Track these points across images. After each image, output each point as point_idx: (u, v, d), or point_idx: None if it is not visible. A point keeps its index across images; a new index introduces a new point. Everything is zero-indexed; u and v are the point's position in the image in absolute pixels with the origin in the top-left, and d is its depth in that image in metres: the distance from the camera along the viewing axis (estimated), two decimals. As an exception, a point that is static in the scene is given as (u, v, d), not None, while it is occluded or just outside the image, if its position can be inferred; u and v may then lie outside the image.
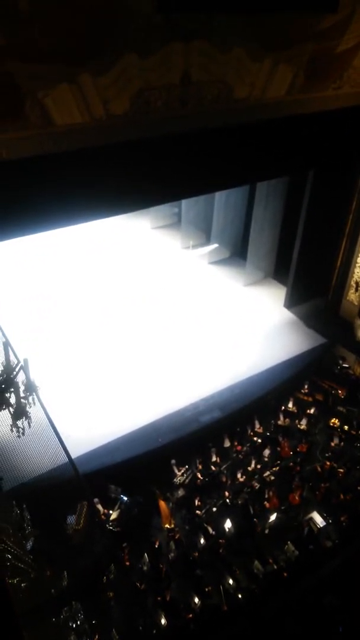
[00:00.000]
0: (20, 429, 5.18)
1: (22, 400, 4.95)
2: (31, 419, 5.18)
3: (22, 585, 5.01)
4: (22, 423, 5.13)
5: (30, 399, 5.04)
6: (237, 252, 16.50)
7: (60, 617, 5.79)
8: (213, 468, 10.01)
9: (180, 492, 9.50)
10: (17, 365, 5.06)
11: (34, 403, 5.15)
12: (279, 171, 11.83)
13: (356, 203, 12.13)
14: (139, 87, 7.56)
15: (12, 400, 5.08)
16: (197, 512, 9.29)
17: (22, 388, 5.01)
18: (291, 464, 10.17)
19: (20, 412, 4.98)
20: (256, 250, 14.78)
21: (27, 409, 5.04)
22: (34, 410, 5.22)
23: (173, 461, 9.88)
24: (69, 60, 6.76)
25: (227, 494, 9.57)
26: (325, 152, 11.13)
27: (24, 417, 5.06)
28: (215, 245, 16.31)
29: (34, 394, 5.09)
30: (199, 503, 9.41)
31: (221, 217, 15.78)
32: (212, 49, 7.83)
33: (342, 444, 10.65)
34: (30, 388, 5.07)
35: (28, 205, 7.63)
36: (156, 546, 8.75)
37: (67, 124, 7.27)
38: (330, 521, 9.18)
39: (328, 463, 10.16)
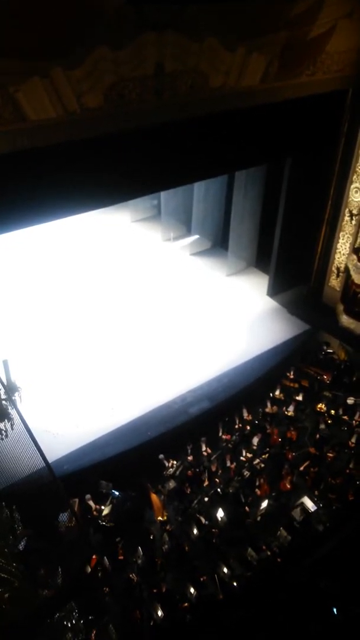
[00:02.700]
0: (3, 431, 5.11)
1: (3, 402, 4.88)
2: (14, 421, 5.12)
3: (6, 595, 4.93)
4: (5, 425, 5.06)
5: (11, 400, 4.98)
6: (219, 243, 16.49)
7: (54, 617, 5.78)
8: (204, 456, 10.05)
9: (172, 484, 9.53)
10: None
11: (15, 405, 5.09)
12: (257, 159, 11.84)
13: (334, 189, 12.18)
14: (112, 79, 7.50)
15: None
16: (189, 503, 9.33)
17: (2, 390, 4.95)
18: (284, 450, 10.24)
19: (1, 415, 4.92)
20: (237, 240, 14.78)
21: (9, 410, 4.98)
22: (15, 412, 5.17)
23: (161, 456, 9.88)
24: (38, 54, 6.67)
25: (217, 482, 9.61)
26: (301, 139, 11.17)
27: (5, 420, 5.00)
28: (196, 236, 16.28)
29: (15, 395, 5.03)
30: (191, 494, 9.45)
31: (201, 208, 15.74)
32: (184, 39, 7.81)
33: (329, 428, 10.76)
34: (11, 390, 5.01)
35: (3, 203, 7.53)
36: (150, 539, 8.78)
37: (41, 119, 7.19)
38: (321, 505, 9.28)
39: (314, 449, 10.25)
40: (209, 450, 10.20)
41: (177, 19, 7.55)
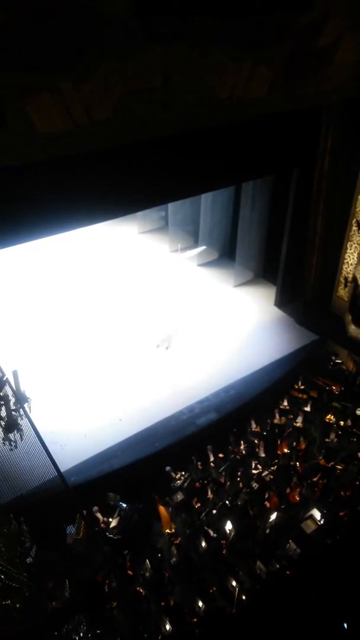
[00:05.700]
0: (12, 442, 5.11)
1: (12, 412, 4.89)
2: (23, 432, 5.12)
3: (17, 605, 4.91)
4: (14, 436, 5.06)
5: (21, 411, 4.98)
6: (226, 253, 16.51)
7: (63, 630, 5.73)
8: (212, 467, 9.98)
9: (180, 496, 9.45)
10: (4, 378, 5.01)
11: (25, 415, 5.10)
12: (264, 170, 11.88)
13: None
14: (121, 92, 7.57)
15: (3, 413, 5.02)
16: (198, 515, 9.25)
17: (12, 400, 4.96)
18: (291, 462, 10.15)
19: (11, 425, 4.92)
20: (245, 251, 14.80)
21: (19, 421, 4.98)
22: (26, 422, 5.17)
23: (168, 468, 9.83)
24: (47, 68, 6.74)
25: (226, 495, 9.53)
26: (308, 150, 11.20)
27: (15, 430, 5.00)
28: (204, 247, 16.28)
29: (24, 406, 5.04)
30: (199, 506, 9.38)
31: (208, 219, 15.77)
32: (191, 52, 7.86)
33: (337, 440, 10.66)
34: (21, 400, 5.01)
35: (12, 215, 7.60)
36: (157, 552, 8.70)
37: (50, 132, 7.25)
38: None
39: (323, 461, 10.15)
40: (217, 462, 10.13)
41: (183, 31, 7.63)
